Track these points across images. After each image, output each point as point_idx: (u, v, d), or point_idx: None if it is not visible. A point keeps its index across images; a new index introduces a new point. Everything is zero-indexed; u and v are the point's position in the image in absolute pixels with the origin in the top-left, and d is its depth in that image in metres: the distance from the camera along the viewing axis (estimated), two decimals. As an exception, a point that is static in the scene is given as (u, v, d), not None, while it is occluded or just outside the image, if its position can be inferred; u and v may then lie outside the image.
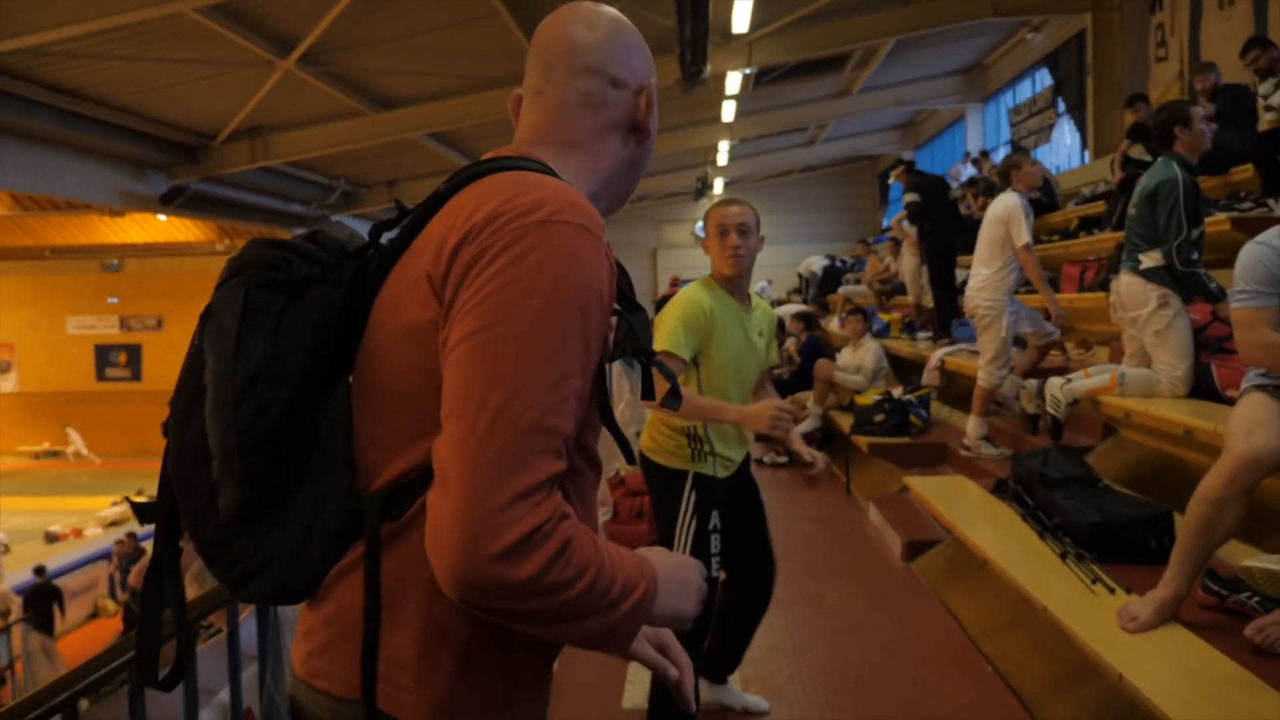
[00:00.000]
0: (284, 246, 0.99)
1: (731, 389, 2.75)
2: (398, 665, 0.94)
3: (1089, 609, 2.65)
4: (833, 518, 5.64)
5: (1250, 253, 2.55)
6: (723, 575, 2.88)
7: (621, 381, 6.91)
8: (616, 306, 1.00)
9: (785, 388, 7.88)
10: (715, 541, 2.72)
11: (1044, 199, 9.64)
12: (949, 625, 3.73)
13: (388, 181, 15.77)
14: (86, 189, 11.16)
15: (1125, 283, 3.79)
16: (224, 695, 1.84)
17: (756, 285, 17.71)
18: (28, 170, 10.10)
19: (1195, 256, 3.66)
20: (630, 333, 1.03)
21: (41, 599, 11.41)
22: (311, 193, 15.07)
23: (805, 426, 7.10)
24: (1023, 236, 4.74)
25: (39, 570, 12.48)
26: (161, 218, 15.65)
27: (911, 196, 7.72)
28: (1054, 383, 3.95)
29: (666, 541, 2.72)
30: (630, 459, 1.28)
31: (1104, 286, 5.32)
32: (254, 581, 0.96)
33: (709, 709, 3.06)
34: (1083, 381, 3.85)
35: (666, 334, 2.64)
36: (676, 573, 0.99)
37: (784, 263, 19.12)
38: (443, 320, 0.90)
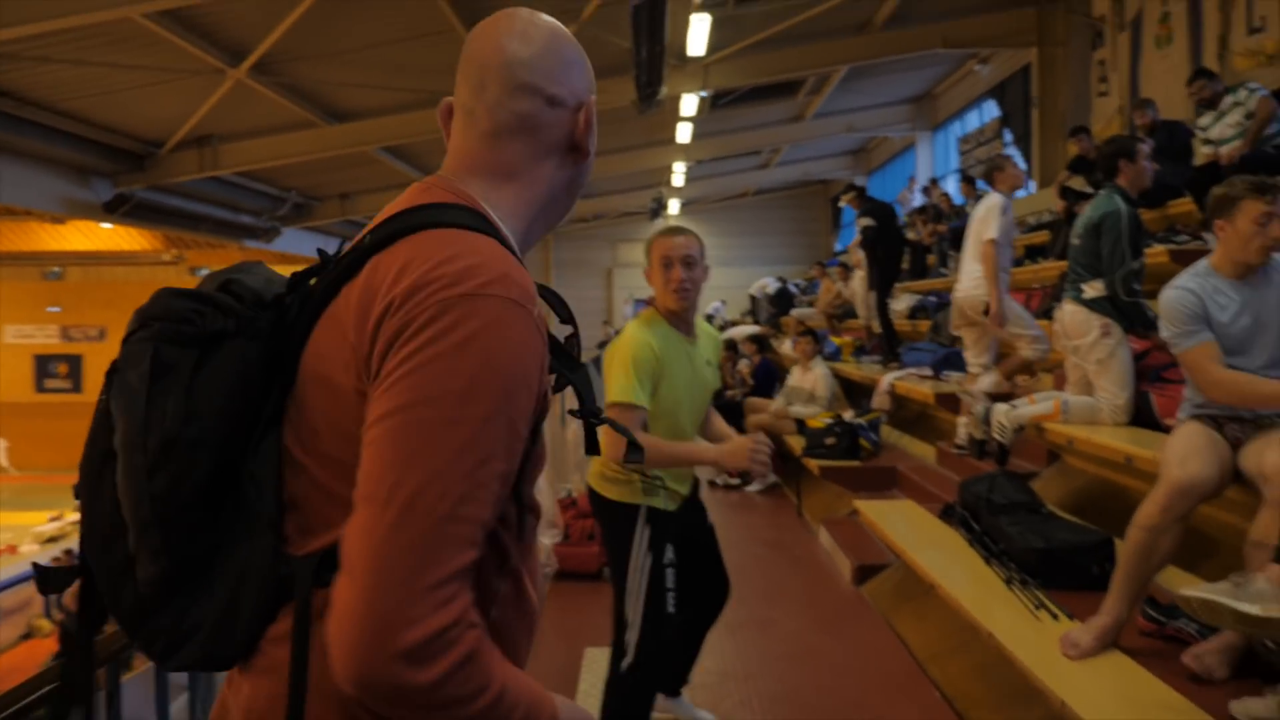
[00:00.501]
0: (195, 297, 0.93)
1: (684, 422, 2.70)
2: None
3: (1033, 635, 2.68)
4: (783, 540, 5.65)
5: (1168, 298, 2.66)
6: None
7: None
8: (555, 368, 0.97)
9: (736, 409, 7.91)
10: (670, 576, 2.67)
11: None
12: (897, 650, 3.75)
13: (340, 194, 15.60)
14: (26, 195, 10.84)
15: (1069, 312, 3.87)
16: (154, 729, 1.77)
17: (710, 306, 17.86)
18: (-37, 174, 9.81)
19: (1137, 286, 3.76)
20: (576, 393, 1.00)
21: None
22: (262, 204, 14.84)
23: (756, 486, 7.16)
24: (989, 232, 4.76)
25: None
26: (106, 226, 15.27)
27: (867, 221, 7.84)
28: (1000, 409, 4.01)
29: (619, 578, 2.66)
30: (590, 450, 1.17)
31: (1048, 314, 5.42)
32: (178, 653, 0.91)
33: None
34: (1027, 408, 3.92)
35: (622, 384, 2.55)
36: (572, 711, 0.94)
37: (737, 284, 19.28)
38: (369, 393, 0.85)
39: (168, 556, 0.88)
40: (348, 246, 0.96)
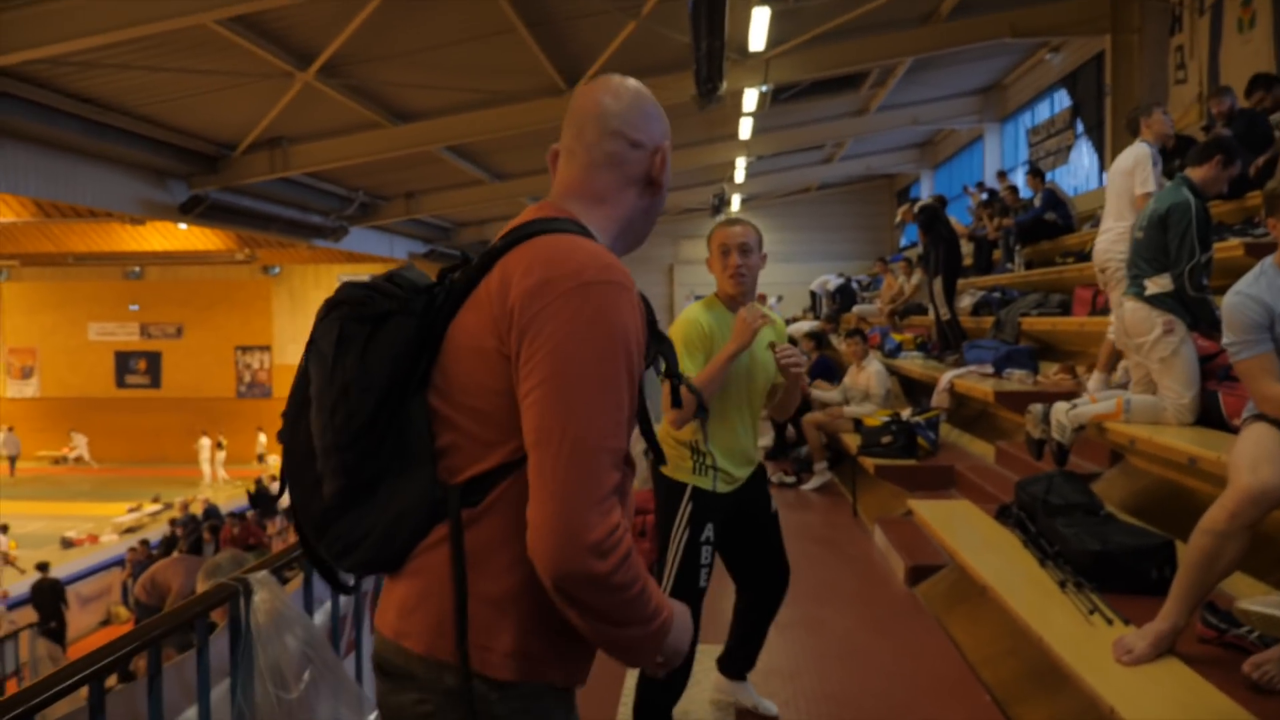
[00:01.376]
0: (369, 287, 1.25)
1: (738, 404, 2.84)
2: (474, 626, 1.15)
3: (1085, 640, 2.61)
4: (837, 539, 5.59)
5: (1229, 304, 2.56)
6: (734, 589, 3.12)
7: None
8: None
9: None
10: (705, 553, 2.82)
11: (1059, 220, 9.59)
12: (949, 652, 3.69)
13: (405, 193, 15.88)
14: (107, 197, 11.28)
15: (1129, 309, 3.75)
16: (191, 713, 1.82)
17: (770, 300, 17.71)
18: (50, 178, 10.23)
19: (1205, 281, 3.62)
20: (662, 358, 1.32)
21: (44, 596, 11.47)
22: (330, 203, 15.18)
23: (813, 484, 7.11)
24: (1143, 185, 4.54)
25: (41, 567, 12.55)
26: (182, 226, 15.79)
27: (926, 201, 7.73)
28: (1059, 408, 3.90)
29: (662, 545, 2.84)
30: (660, 460, 1.43)
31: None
32: (351, 554, 1.20)
33: (726, 704, 3.24)
34: (1088, 407, 3.80)
35: (680, 357, 2.69)
36: (684, 617, 1.23)
37: (798, 280, 19.11)
38: (514, 364, 1.13)
39: (345, 475, 1.18)
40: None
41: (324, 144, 11.61)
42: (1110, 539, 3.14)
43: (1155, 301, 3.64)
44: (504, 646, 1.15)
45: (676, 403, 1.38)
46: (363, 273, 24.22)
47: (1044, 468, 4.37)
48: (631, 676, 3.35)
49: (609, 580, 1.05)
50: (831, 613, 4.25)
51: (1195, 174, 3.70)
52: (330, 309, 1.25)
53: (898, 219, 8.83)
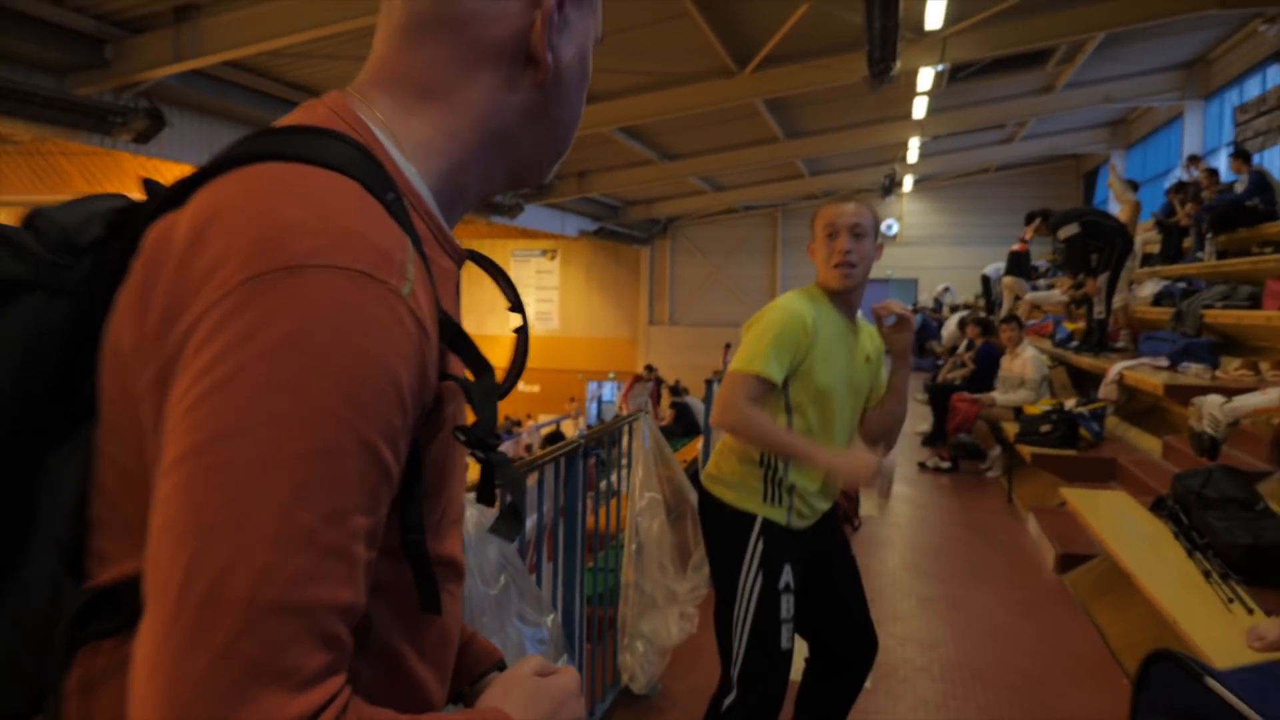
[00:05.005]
0: None
1: (836, 417, 2.24)
2: None
3: (1221, 626, 2.64)
4: (989, 525, 5.60)
5: None
6: (805, 652, 2.43)
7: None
8: (451, 375, 0.66)
9: (951, 391, 7.80)
10: (787, 605, 2.21)
11: (1261, 206, 8.97)
12: (1091, 637, 3.71)
13: (579, 173, 16.48)
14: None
15: None
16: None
17: (938, 288, 17.23)
18: (266, 157, 11.36)
19: None
20: (471, 404, 0.68)
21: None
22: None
23: (993, 470, 7.06)
24: None
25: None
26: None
27: (1070, 230, 7.47)
28: (1212, 400, 3.82)
29: (727, 597, 2.23)
30: (427, 604, 0.67)
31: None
32: None
33: None
34: (1247, 399, 3.71)
35: (750, 352, 2.16)
36: (540, 709, 0.73)
37: (973, 265, 18.47)
38: (158, 412, 0.58)
39: None
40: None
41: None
42: (1263, 534, 3.09)
43: None
44: None
45: (485, 496, 0.73)
46: (535, 249, 25.19)
47: (1204, 462, 4.28)
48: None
49: None
50: (976, 593, 4.32)
51: None
52: None
53: (1027, 236, 8.47)
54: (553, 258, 24.41)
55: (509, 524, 0.73)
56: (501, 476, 0.72)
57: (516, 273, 25.77)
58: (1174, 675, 0.82)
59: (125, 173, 15.48)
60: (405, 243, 0.63)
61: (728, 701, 2.19)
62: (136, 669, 0.52)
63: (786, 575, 2.21)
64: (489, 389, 0.68)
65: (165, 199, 0.65)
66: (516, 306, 0.83)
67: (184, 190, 0.64)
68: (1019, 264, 12.06)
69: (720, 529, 2.28)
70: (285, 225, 0.58)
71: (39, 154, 14.74)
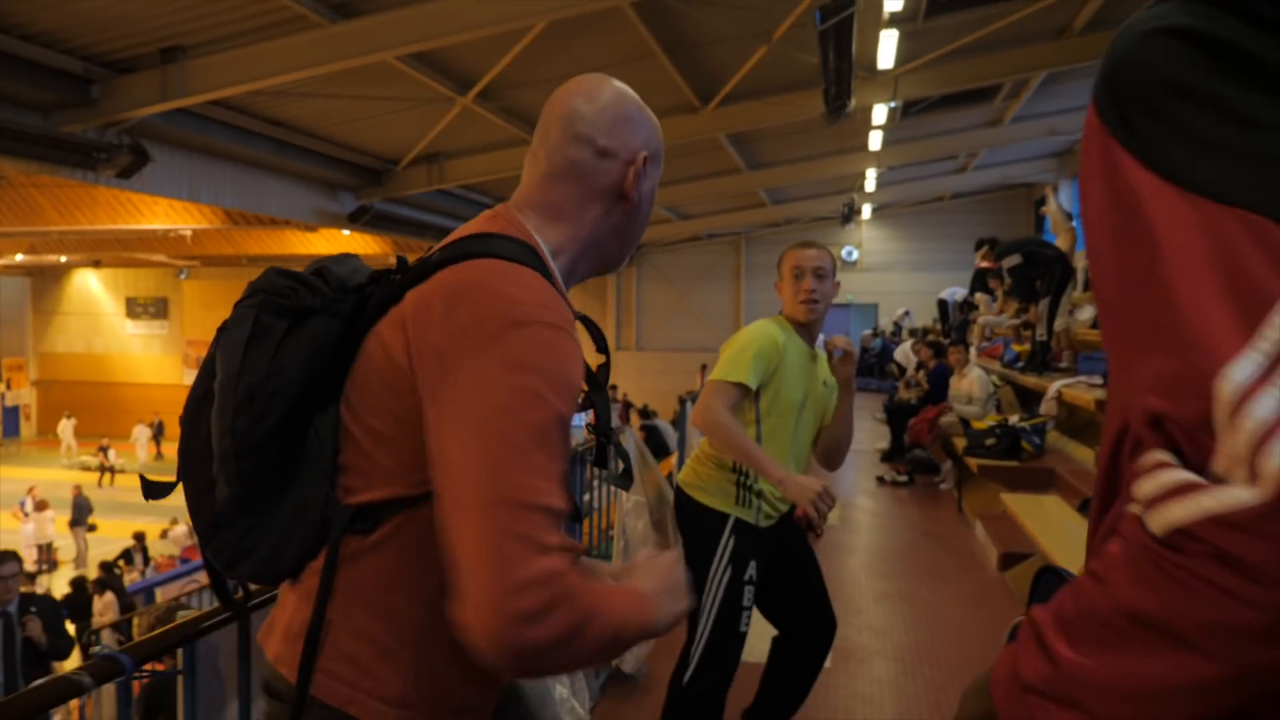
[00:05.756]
0: (294, 277, 1.13)
1: (796, 435, 2.60)
2: (344, 662, 1.06)
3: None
4: (941, 531, 6.03)
5: None
6: (774, 633, 2.80)
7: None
8: (584, 387, 1.09)
9: (911, 412, 8.26)
10: (748, 594, 2.55)
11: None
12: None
13: (547, 203, 16.84)
14: (289, 208, 12.67)
15: None
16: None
17: (897, 312, 17.76)
18: (244, 191, 11.64)
19: None
20: (595, 412, 1.19)
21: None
22: (477, 211, 16.19)
23: (946, 483, 7.50)
24: None
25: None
26: (345, 233, 17.25)
27: (1013, 260, 7.97)
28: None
29: (698, 587, 2.50)
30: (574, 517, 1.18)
31: None
32: (239, 564, 1.11)
33: None
34: None
35: (732, 364, 2.50)
36: (664, 584, 1.09)
37: (930, 290, 19.09)
38: (430, 407, 0.99)
39: (240, 483, 1.07)
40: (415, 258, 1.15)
41: (476, 159, 12.63)
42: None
43: None
44: (386, 693, 1.06)
45: (601, 462, 1.24)
46: (503, 277, 25.51)
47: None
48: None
49: (556, 645, 0.90)
50: (926, 589, 4.74)
51: None
52: (250, 294, 1.14)
53: (978, 262, 8.95)
54: (521, 286, 24.72)
55: (626, 478, 1.34)
56: (616, 449, 1.22)
57: (484, 301, 26.02)
58: (1055, 583, 1.14)
59: (99, 204, 15.64)
60: (567, 307, 1.05)
61: (688, 675, 2.52)
62: (454, 544, 0.92)
63: (751, 569, 2.54)
64: (605, 398, 1.18)
65: (417, 274, 1.08)
66: (602, 348, 1.30)
67: (428, 270, 1.07)
68: (985, 281, 12.59)
69: (697, 527, 2.59)
70: (510, 298, 0.99)
71: (11, 186, 14.86)
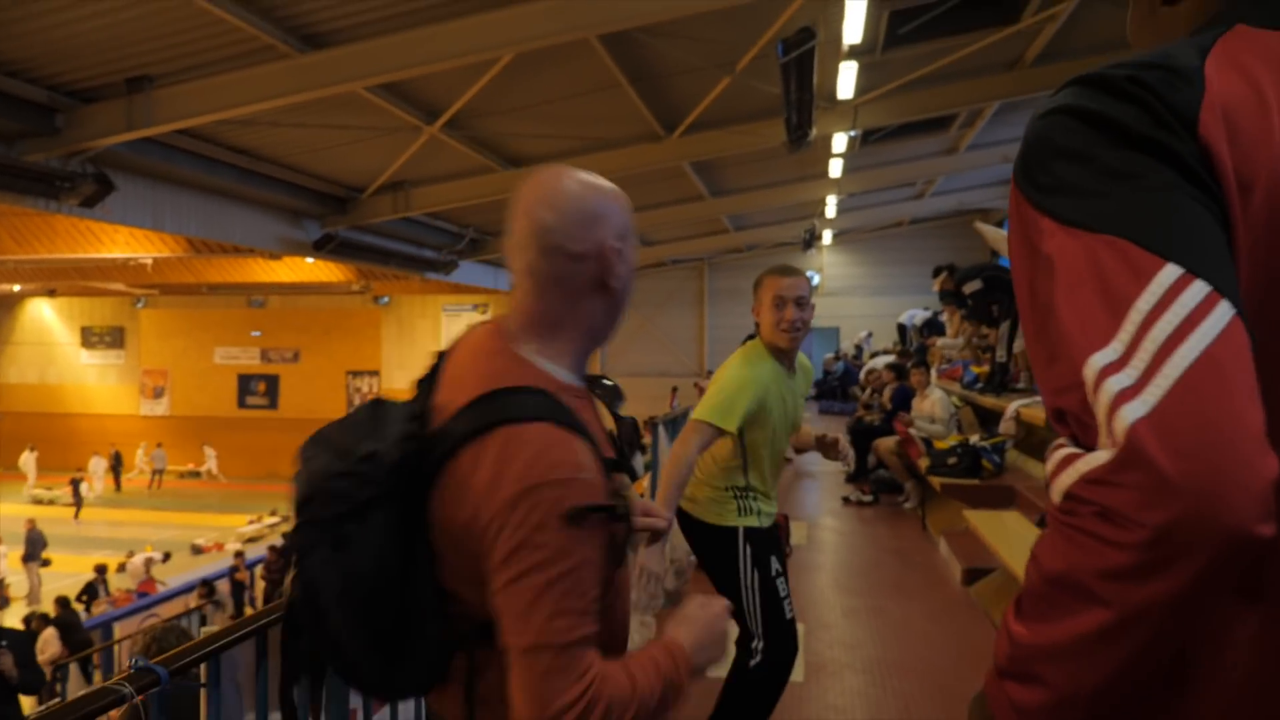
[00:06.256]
0: (346, 476, 1.17)
1: (771, 443, 2.80)
2: None
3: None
4: (905, 549, 6.17)
5: None
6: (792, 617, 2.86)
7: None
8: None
9: (875, 433, 8.42)
10: (782, 585, 2.74)
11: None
12: (991, 634, 4.24)
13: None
14: (253, 236, 12.63)
15: None
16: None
17: (859, 335, 18.02)
18: (208, 219, 11.59)
19: None
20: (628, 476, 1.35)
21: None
22: (443, 239, 16.39)
23: (910, 502, 7.62)
24: None
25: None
26: (310, 260, 17.21)
27: (974, 286, 8.20)
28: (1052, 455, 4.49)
29: (732, 595, 2.70)
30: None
31: None
32: (389, 691, 1.29)
33: None
34: (1058, 451, 4.39)
35: (730, 412, 2.65)
36: (706, 636, 1.28)
37: (889, 313, 19.44)
38: (489, 567, 1.13)
39: (377, 652, 1.20)
40: (440, 397, 1.24)
41: (442, 187, 12.70)
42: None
43: None
44: None
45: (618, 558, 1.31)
46: (466, 303, 25.57)
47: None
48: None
49: None
50: (893, 604, 4.86)
51: None
52: (302, 507, 1.21)
53: (935, 288, 9.21)
54: (484, 311, 24.80)
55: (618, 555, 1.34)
56: (631, 541, 1.34)
57: (448, 327, 26.05)
58: None
59: (57, 233, 15.46)
60: (589, 448, 1.18)
61: (754, 663, 2.70)
62: (512, 676, 1.11)
63: (774, 564, 2.75)
64: (627, 493, 1.27)
65: (451, 443, 1.17)
66: (616, 416, 1.50)
67: (462, 441, 1.16)
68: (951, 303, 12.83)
69: (714, 546, 2.79)
70: (528, 460, 1.12)
71: (-34, 216, 14.65)
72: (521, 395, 1.18)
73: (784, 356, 2.78)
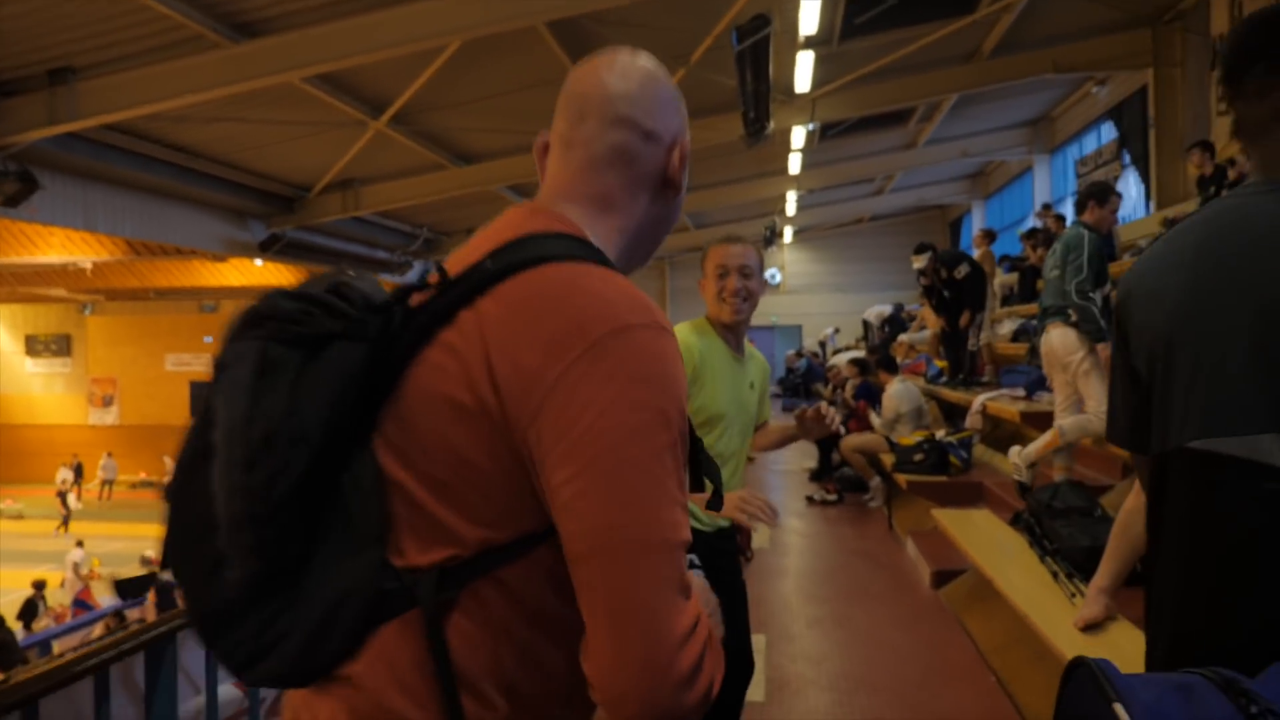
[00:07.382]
0: (305, 298, 0.91)
1: (725, 440, 2.40)
2: None
3: (1066, 619, 2.95)
4: (872, 550, 5.94)
5: None
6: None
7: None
8: None
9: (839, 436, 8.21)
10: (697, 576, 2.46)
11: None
12: (963, 643, 4.03)
13: (466, 229, 16.60)
14: (194, 236, 12.16)
15: (1057, 335, 4.38)
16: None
17: (824, 332, 17.97)
18: (145, 220, 11.11)
19: (1091, 294, 4.26)
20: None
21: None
22: (396, 240, 15.99)
23: (875, 501, 7.46)
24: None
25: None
26: (258, 263, 16.70)
27: (964, 269, 8.19)
28: (1013, 451, 4.36)
29: None
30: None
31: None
32: (259, 663, 0.88)
33: None
34: (1032, 444, 4.25)
35: None
36: (709, 606, 1.04)
37: (853, 310, 19.40)
38: (528, 446, 0.84)
39: (258, 557, 0.85)
40: (452, 264, 0.95)
41: (392, 185, 12.36)
42: (1100, 536, 3.46)
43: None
44: None
45: (697, 486, 1.04)
46: (426, 306, 25.14)
47: (1056, 481, 4.71)
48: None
49: (704, 702, 0.82)
50: (860, 611, 4.61)
51: (1087, 218, 4.41)
52: (249, 324, 0.91)
53: (917, 265, 9.05)
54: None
55: (716, 501, 1.10)
56: (706, 467, 1.02)
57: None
58: (1088, 678, 0.98)
59: (-12, 237, 14.82)
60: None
61: None
62: (591, 596, 0.81)
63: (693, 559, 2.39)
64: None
65: (469, 289, 0.90)
66: None
67: (484, 282, 0.90)
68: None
69: None
70: (606, 300, 0.87)
71: (-109, 220, 14.00)
72: (565, 239, 0.95)
73: (728, 334, 2.45)
